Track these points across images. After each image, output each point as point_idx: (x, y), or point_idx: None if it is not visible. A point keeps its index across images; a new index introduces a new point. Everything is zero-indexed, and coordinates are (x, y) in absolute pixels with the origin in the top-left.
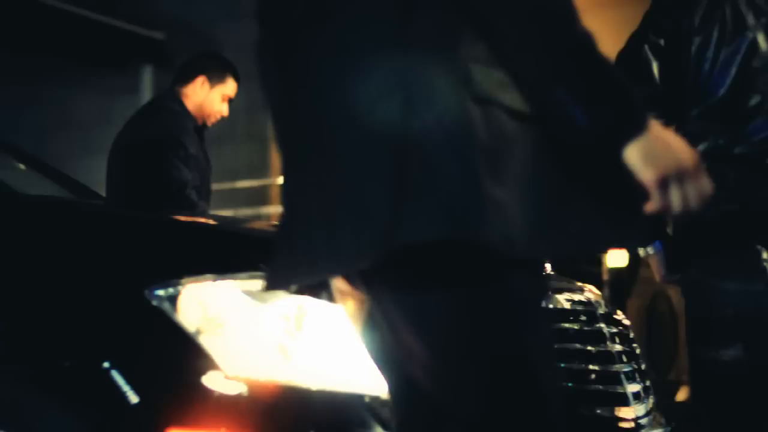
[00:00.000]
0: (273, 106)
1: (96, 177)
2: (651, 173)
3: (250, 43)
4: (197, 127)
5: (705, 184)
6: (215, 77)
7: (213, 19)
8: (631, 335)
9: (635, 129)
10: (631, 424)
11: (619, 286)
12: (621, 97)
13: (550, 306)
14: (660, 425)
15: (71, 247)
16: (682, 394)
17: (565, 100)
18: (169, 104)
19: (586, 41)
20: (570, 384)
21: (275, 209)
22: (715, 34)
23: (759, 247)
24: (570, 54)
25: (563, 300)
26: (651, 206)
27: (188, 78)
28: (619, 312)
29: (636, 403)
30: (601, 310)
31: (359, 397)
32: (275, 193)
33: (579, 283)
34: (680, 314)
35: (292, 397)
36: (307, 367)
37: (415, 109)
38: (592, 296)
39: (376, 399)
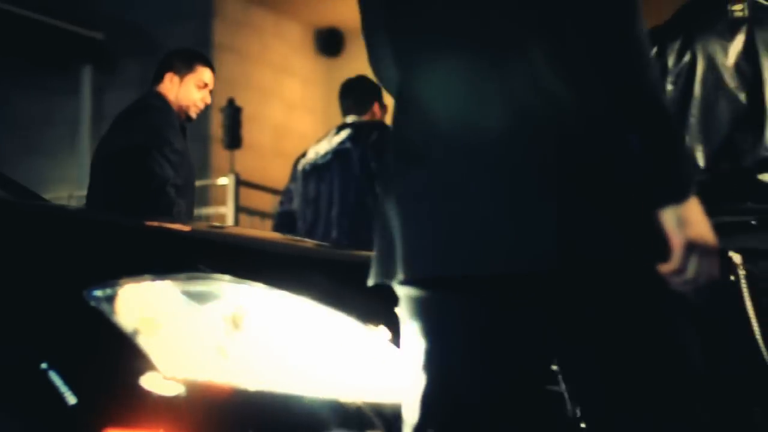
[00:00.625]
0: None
1: (36, 177)
2: (682, 238)
3: (191, 43)
4: (181, 123)
5: (716, 267)
6: (182, 69)
7: (153, 20)
8: None
9: (684, 195)
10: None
11: None
12: (682, 162)
13: None
14: None
15: (8, 248)
16: None
17: (634, 144)
18: (152, 101)
19: (661, 98)
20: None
21: (215, 209)
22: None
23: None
24: (647, 107)
25: None
26: (669, 266)
27: (159, 77)
28: None
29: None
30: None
31: (298, 398)
32: (215, 194)
33: None
34: None
35: (230, 397)
36: (245, 368)
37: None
38: None
39: (314, 400)
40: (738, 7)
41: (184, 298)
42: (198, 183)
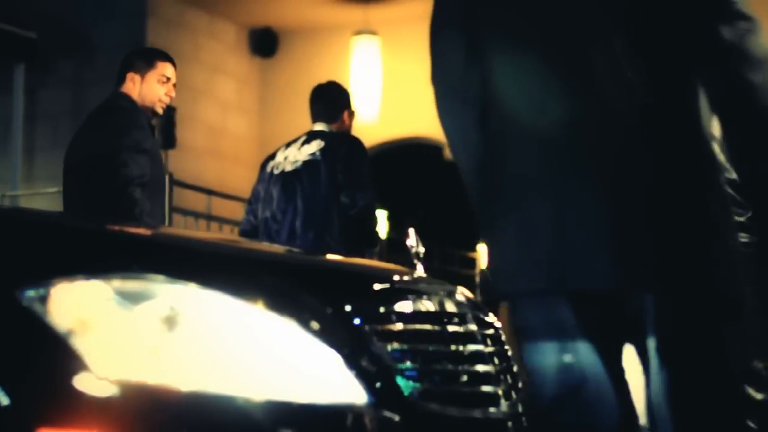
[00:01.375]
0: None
1: None
2: None
3: (125, 43)
4: (149, 121)
5: None
6: (141, 67)
7: (87, 20)
8: (503, 337)
9: None
10: (503, 425)
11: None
12: None
13: (421, 308)
14: (530, 426)
15: None
16: None
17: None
18: (119, 102)
19: None
20: (442, 385)
21: None
22: None
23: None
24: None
25: (435, 301)
26: None
27: (121, 78)
28: (490, 314)
29: (507, 404)
30: (473, 312)
31: (232, 399)
32: None
33: (451, 285)
34: None
35: (164, 398)
36: (179, 369)
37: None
38: (463, 298)
39: (248, 400)
40: None
41: (117, 298)
42: None
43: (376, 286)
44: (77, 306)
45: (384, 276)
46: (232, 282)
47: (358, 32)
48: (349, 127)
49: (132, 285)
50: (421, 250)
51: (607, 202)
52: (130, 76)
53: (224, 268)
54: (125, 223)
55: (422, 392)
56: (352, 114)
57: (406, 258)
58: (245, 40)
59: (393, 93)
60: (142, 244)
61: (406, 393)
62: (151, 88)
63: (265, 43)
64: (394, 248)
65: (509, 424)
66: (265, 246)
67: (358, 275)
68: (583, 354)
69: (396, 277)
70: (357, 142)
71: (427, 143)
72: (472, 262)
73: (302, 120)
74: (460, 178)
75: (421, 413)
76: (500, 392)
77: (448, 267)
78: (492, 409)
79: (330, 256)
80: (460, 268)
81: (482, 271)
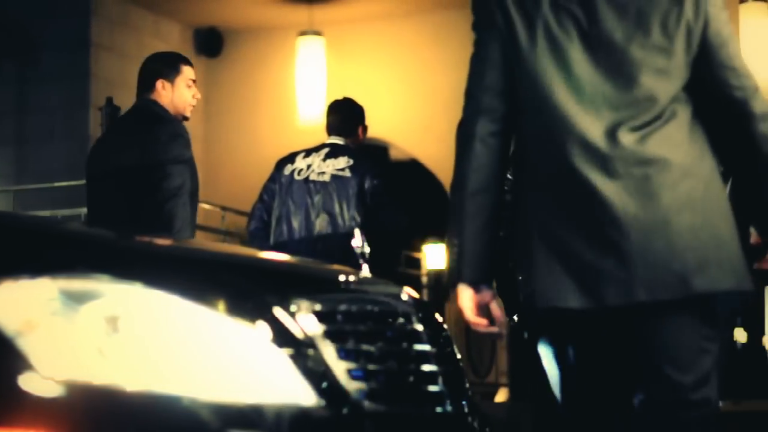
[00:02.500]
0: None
1: None
2: None
3: (69, 42)
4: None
5: None
6: (170, 73)
7: (30, 18)
8: (449, 337)
9: None
10: (449, 424)
11: (438, 288)
12: None
13: (367, 308)
14: (477, 426)
15: None
16: (501, 396)
17: None
18: (158, 110)
19: None
20: (388, 385)
21: None
22: None
23: None
24: None
25: (381, 301)
26: None
27: (149, 86)
28: (436, 314)
29: (453, 403)
30: (419, 312)
31: (178, 399)
32: None
33: (397, 285)
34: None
35: (109, 398)
36: (125, 369)
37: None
38: (409, 298)
39: (194, 400)
40: None
41: (62, 297)
42: (76, 183)
43: (323, 286)
44: (22, 305)
45: (330, 276)
46: (178, 282)
47: (303, 33)
48: (362, 141)
49: (77, 284)
50: (367, 250)
51: None
52: (160, 83)
53: (169, 268)
54: (69, 223)
55: (368, 392)
56: (365, 128)
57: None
58: (190, 40)
59: (338, 93)
60: (87, 243)
61: (352, 393)
62: (181, 94)
63: (210, 43)
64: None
65: (455, 423)
66: (210, 245)
67: (303, 275)
68: None
69: (342, 278)
70: (384, 161)
71: (372, 143)
72: (417, 262)
73: (247, 120)
74: (412, 179)
75: (367, 413)
76: (446, 392)
77: (394, 267)
78: (438, 409)
79: (275, 256)
80: (406, 268)
81: (429, 271)
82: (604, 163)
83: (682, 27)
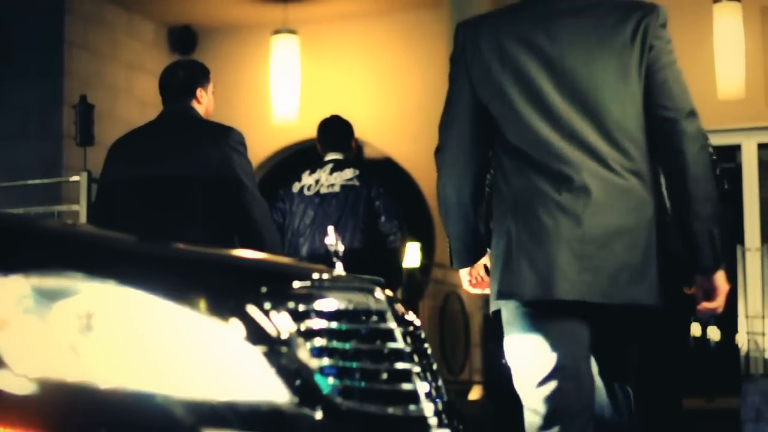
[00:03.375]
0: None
1: None
2: (726, 289)
3: (43, 40)
4: None
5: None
6: (205, 82)
7: (3, 15)
8: (423, 335)
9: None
10: (422, 423)
11: (411, 286)
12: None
13: (341, 306)
14: (450, 424)
15: None
16: (474, 394)
17: (710, 236)
18: (197, 117)
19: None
20: (362, 383)
21: (67, 207)
22: None
23: None
24: (719, 224)
25: (354, 299)
26: (715, 304)
27: (190, 94)
28: (410, 312)
29: (427, 402)
30: (392, 310)
31: (150, 397)
32: (67, 191)
33: (370, 283)
34: (472, 315)
35: (83, 396)
36: (98, 366)
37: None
38: (383, 296)
39: (168, 398)
40: None
41: (35, 295)
42: (50, 180)
43: (296, 284)
44: None
45: (304, 274)
46: (151, 279)
47: (278, 31)
48: (354, 153)
49: (50, 282)
50: (341, 248)
51: None
52: (199, 92)
53: (143, 265)
54: (42, 221)
55: (342, 390)
56: (357, 142)
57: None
58: (164, 37)
59: (312, 92)
60: (60, 241)
61: (325, 391)
62: (211, 102)
63: (184, 41)
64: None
65: (429, 422)
66: (184, 243)
67: (277, 273)
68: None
69: (315, 275)
70: (384, 186)
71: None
72: None
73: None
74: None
75: (341, 411)
76: (420, 390)
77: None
78: (412, 407)
79: (250, 254)
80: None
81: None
82: (564, 183)
83: (635, 56)
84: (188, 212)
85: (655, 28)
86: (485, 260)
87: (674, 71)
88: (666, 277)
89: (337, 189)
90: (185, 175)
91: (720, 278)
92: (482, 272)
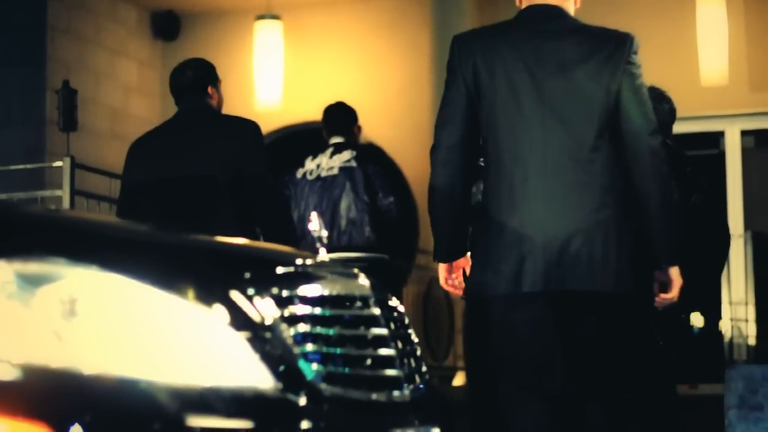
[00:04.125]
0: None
1: None
2: (680, 282)
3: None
4: None
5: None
6: (215, 79)
7: None
8: (407, 321)
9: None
10: (406, 408)
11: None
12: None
13: (325, 292)
14: (435, 410)
15: None
16: (458, 380)
17: (666, 236)
18: (215, 112)
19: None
20: (345, 369)
21: (51, 192)
22: None
23: None
24: (675, 226)
25: (338, 285)
26: (670, 295)
27: (203, 91)
28: (393, 298)
29: (410, 388)
30: (376, 296)
31: (134, 382)
32: (51, 177)
33: (354, 269)
34: (457, 301)
35: (66, 381)
36: (81, 352)
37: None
38: (366, 282)
39: (151, 383)
40: None
41: (18, 280)
42: (33, 166)
43: (279, 270)
44: None
45: (287, 260)
46: (135, 265)
47: (261, 16)
48: (358, 138)
49: (33, 267)
50: (324, 234)
51: None
52: (210, 89)
53: (126, 251)
54: (25, 206)
55: (326, 376)
56: (359, 128)
57: None
58: (147, 23)
59: (295, 77)
60: (43, 226)
61: (309, 376)
62: (222, 98)
63: (167, 26)
64: None
65: (412, 407)
66: (167, 229)
67: (261, 259)
68: None
69: (299, 261)
70: (380, 153)
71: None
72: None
73: None
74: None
75: (325, 396)
76: (403, 376)
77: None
78: (395, 393)
79: (233, 240)
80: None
81: None
82: (538, 191)
83: (607, 77)
84: (213, 207)
85: (628, 55)
86: (464, 263)
87: (642, 93)
88: (630, 269)
89: (336, 171)
90: (209, 169)
91: (675, 273)
92: (460, 278)
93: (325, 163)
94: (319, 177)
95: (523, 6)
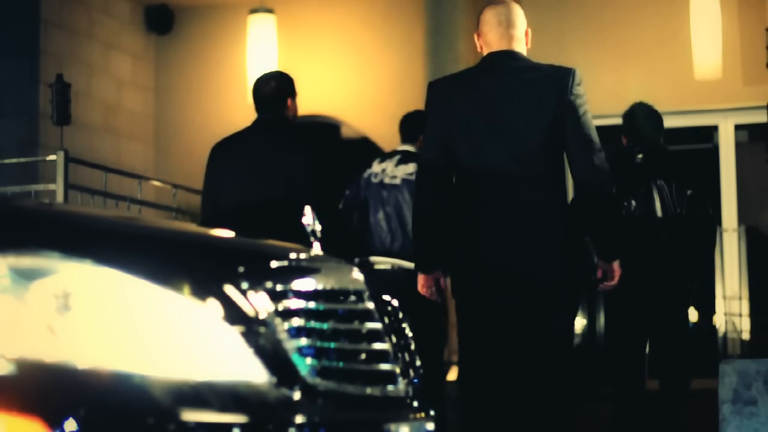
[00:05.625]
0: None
1: None
2: (619, 272)
3: (18, 18)
4: None
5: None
6: (294, 92)
7: None
8: (400, 315)
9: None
10: (400, 403)
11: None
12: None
13: (319, 286)
14: (429, 404)
15: None
16: (453, 374)
17: (609, 239)
18: (291, 124)
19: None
20: (340, 363)
21: (44, 186)
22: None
23: None
24: (617, 229)
25: (332, 279)
26: (612, 283)
27: (284, 104)
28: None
29: (405, 382)
30: (370, 291)
31: (128, 377)
32: (44, 171)
33: (348, 263)
34: (451, 296)
35: (60, 376)
36: (75, 347)
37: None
38: (361, 277)
39: (145, 378)
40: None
41: (12, 275)
42: (26, 160)
43: (274, 264)
44: None
45: (281, 254)
46: (129, 259)
47: (255, 10)
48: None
49: (27, 261)
50: (318, 228)
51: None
52: (290, 102)
53: (120, 245)
54: (19, 200)
55: (320, 370)
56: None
57: None
58: (140, 16)
59: (289, 71)
60: (37, 220)
61: (303, 371)
62: (297, 111)
63: (160, 19)
64: None
65: (407, 401)
66: (161, 223)
67: (255, 253)
68: None
69: (293, 255)
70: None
71: (324, 120)
72: None
73: (198, 97)
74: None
75: (319, 391)
76: (398, 370)
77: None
78: (389, 387)
79: (227, 234)
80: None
81: None
82: (499, 207)
83: (552, 106)
84: (290, 212)
85: (573, 86)
86: (438, 275)
87: (587, 119)
88: (572, 262)
89: (398, 181)
90: (282, 183)
91: (615, 264)
92: (435, 288)
93: (390, 171)
94: (382, 182)
95: (485, 53)
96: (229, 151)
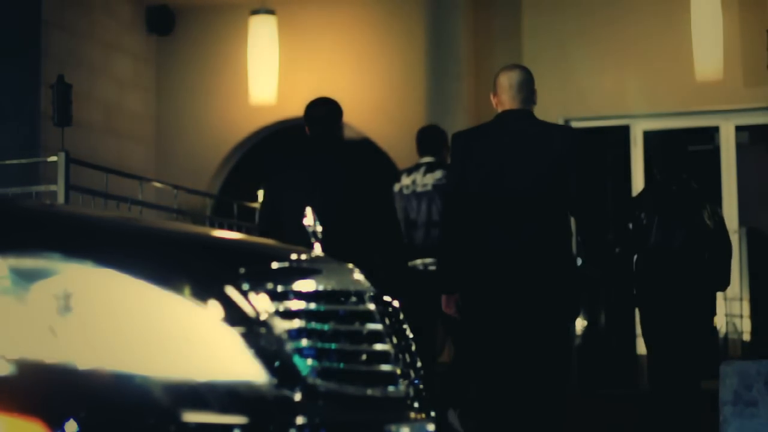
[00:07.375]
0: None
1: None
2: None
3: (19, 20)
4: None
5: None
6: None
7: None
8: (401, 316)
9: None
10: (401, 404)
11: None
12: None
13: (320, 287)
14: (429, 405)
15: None
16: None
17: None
18: (348, 145)
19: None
20: (340, 364)
21: (45, 187)
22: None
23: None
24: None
25: (333, 280)
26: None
27: (337, 122)
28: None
29: (405, 383)
30: (371, 292)
31: (129, 377)
32: (45, 172)
33: (349, 265)
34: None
35: (61, 376)
36: (76, 347)
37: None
38: (361, 277)
39: (146, 378)
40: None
41: (13, 275)
42: (27, 161)
43: (275, 265)
44: None
45: (282, 255)
46: (130, 260)
47: (256, 11)
48: (446, 157)
49: (28, 263)
50: (319, 229)
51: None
52: (341, 122)
53: (121, 246)
54: (20, 201)
55: (320, 371)
56: (447, 149)
57: None
58: (142, 17)
59: (290, 72)
60: (38, 221)
61: (304, 372)
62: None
63: (162, 20)
64: None
65: (408, 402)
66: (162, 224)
67: (256, 254)
68: None
69: (294, 256)
70: None
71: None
72: None
73: (199, 98)
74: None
75: (320, 392)
76: (398, 371)
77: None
78: (390, 388)
79: (228, 234)
80: None
81: None
82: (506, 241)
83: (557, 161)
84: (353, 223)
85: (576, 145)
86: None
87: (588, 170)
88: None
89: (429, 188)
90: (347, 190)
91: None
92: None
93: (420, 180)
94: (414, 192)
95: (500, 111)
96: (286, 170)
